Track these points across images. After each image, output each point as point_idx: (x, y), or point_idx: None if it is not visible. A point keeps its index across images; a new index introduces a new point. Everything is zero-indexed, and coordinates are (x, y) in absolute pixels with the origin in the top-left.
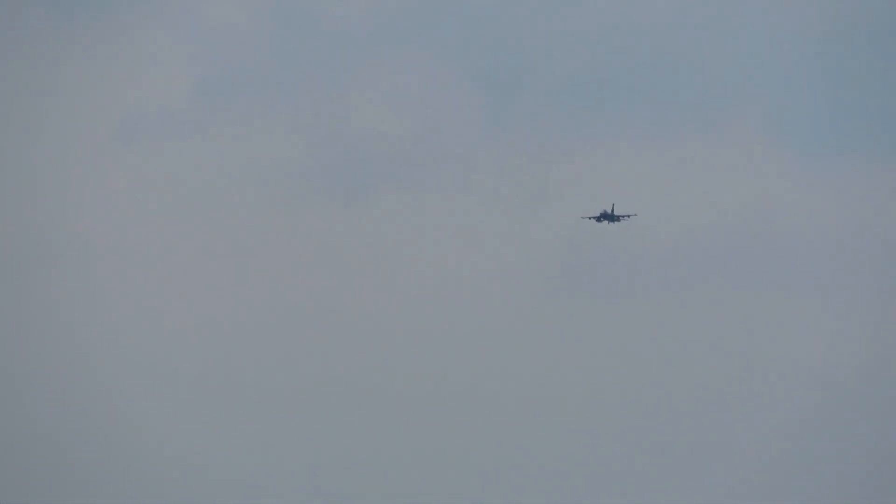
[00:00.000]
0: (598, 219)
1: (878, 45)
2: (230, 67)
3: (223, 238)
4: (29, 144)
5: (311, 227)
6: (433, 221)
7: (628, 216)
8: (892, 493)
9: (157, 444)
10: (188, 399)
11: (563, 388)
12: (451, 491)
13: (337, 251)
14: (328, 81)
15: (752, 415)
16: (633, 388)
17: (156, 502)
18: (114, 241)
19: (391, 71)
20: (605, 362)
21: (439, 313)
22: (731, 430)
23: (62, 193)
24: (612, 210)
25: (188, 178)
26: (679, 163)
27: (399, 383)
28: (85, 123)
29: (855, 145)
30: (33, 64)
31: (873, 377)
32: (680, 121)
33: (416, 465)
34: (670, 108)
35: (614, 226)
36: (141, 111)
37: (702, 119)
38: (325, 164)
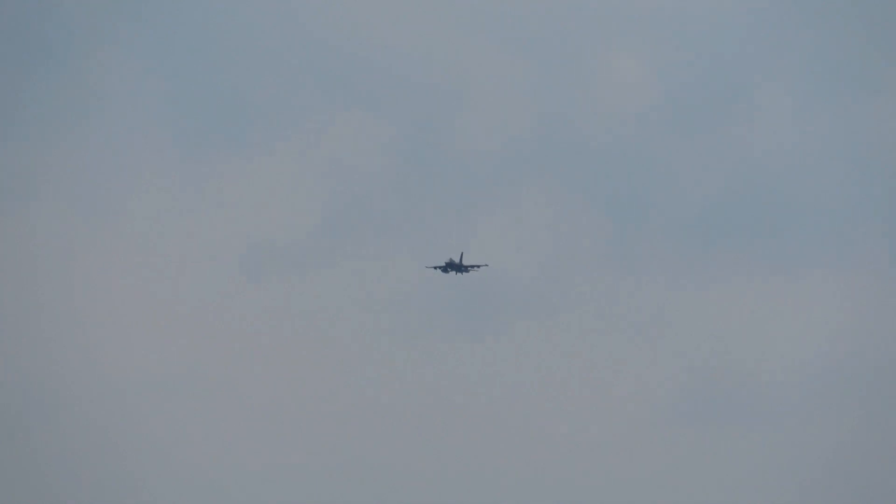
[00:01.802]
0: (444, 269)
1: None
2: (356, 200)
3: (348, 371)
4: (158, 275)
5: (436, 361)
6: (558, 351)
7: (478, 266)
8: None
9: None
10: None
11: None
12: None
13: (462, 384)
14: (454, 213)
15: None
16: None
17: None
18: (239, 373)
19: (516, 202)
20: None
21: (570, 445)
22: None
23: (188, 324)
24: (461, 259)
25: (312, 312)
26: (801, 298)
27: None
28: (211, 256)
29: None
30: (163, 196)
31: None
32: (801, 256)
33: None
34: (793, 244)
35: (464, 277)
36: (266, 244)
37: (823, 254)
38: (451, 296)
